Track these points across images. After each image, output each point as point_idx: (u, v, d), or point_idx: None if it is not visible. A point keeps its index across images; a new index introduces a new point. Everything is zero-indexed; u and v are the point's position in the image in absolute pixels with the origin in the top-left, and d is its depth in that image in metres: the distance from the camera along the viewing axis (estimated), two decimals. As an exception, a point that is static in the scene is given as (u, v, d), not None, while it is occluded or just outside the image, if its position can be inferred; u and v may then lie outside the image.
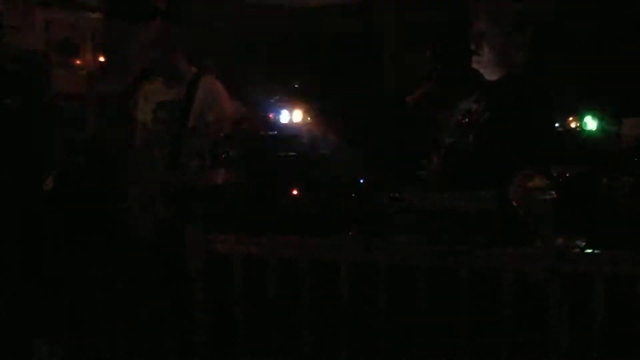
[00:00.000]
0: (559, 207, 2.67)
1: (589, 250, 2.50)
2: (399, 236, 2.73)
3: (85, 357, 3.92)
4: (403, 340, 2.71)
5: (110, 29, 6.46)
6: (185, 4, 6.51)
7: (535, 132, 2.89)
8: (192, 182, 3.74)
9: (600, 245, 2.54)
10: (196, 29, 6.68)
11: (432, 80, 3.27)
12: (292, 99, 6.02)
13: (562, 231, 2.61)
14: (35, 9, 5.72)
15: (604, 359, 2.45)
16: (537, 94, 2.99)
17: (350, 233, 2.92)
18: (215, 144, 3.35)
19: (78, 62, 6.20)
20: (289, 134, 6.05)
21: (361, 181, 3.74)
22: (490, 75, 3.14)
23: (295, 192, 5.35)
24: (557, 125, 4.66)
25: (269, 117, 6.14)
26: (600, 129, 5.22)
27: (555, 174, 3.18)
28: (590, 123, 5.26)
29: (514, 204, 2.70)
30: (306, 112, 5.79)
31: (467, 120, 3.10)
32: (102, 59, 6.36)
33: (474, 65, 3.16)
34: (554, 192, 2.67)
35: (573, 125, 5.21)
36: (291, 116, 5.91)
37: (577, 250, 2.49)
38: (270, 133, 6.21)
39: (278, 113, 6.04)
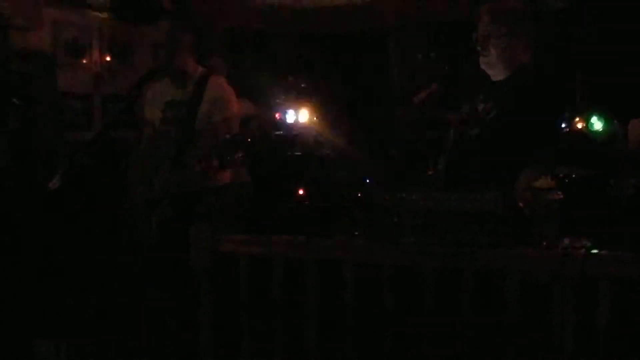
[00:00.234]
0: (565, 208, 2.67)
1: (595, 252, 2.49)
2: (404, 237, 2.73)
3: (88, 357, 3.93)
4: (408, 340, 2.71)
5: (118, 29, 6.47)
6: (192, 4, 6.55)
7: (542, 131, 2.89)
8: (197, 182, 3.75)
9: (605, 246, 2.54)
10: (204, 28, 6.71)
11: (438, 81, 3.27)
12: (299, 98, 6.02)
13: (568, 232, 2.60)
14: (43, 9, 5.73)
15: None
16: (543, 92, 2.99)
17: (356, 234, 2.91)
18: (222, 145, 3.35)
19: (85, 62, 6.21)
20: (294, 134, 6.05)
21: (367, 181, 3.73)
22: (497, 75, 3.14)
23: (300, 191, 5.35)
24: (563, 125, 4.66)
25: (276, 117, 6.14)
26: (607, 129, 5.21)
27: (561, 175, 3.18)
28: (597, 124, 5.24)
29: (520, 204, 2.70)
30: (312, 111, 5.79)
31: (473, 120, 3.11)
32: (109, 59, 6.37)
33: (481, 66, 3.17)
34: (559, 193, 2.67)
35: (579, 126, 5.19)
36: (297, 116, 5.91)
37: (583, 251, 2.49)
38: (277, 133, 6.22)
39: (284, 113, 6.04)
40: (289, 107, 5.92)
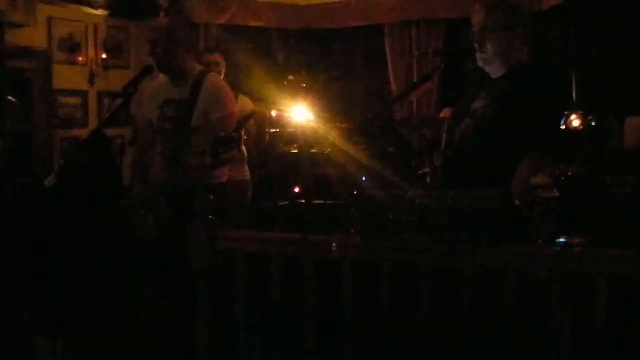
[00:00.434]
0: (562, 206, 2.67)
1: (592, 250, 2.49)
2: (402, 234, 2.73)
3: (85, 355, 3.93)
4: (406, 338, 2.71)
5: (113, 25, 6.46)
6: (188, 0, 6.53)
7: (540, 128, 2.88)
8: (193, 179, 3.74)
9: (602, 244, 2.54)
10: (201, 25, 6.70)
11: (435, 78, 3.27)
12: (296, 95, 6.01)
13: (565, 230, 2.60)
14: (38, 6, 5.71)
15: (607, 358, 2.45)
16: (542, 90, 2.98)
17: (352, 231, 2.91)
18: (216, 142, 3.34)
19: (80, 58, 6.20)
20: (291, 131, 6.05)
21: (363, 179, 3.73)
22: (495, 71, 3.13)
23: (296, 189, 5.34)
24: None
25: (272, 114, 6.14)
26: (603, 127, 5.21)
27: (557, 173, 3.18)
28: (593, 121, 5.24)
29: (517, 202, 2.70)
30: (308, 108, 5.78)
31: (470, 117, 3.10)
32: (104, 55, 6.36)
33: (479, 63, 3.16)
34: (556, 191, 2.67)
35: (575, 123, 5.18)
36: (294, 113, 5.90)
37: (580, 249, 2.48)
38: (272, 130, 6.21)
39: (280, 110, 6.04)
40: (285, 104, 5.91)
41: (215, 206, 3.20)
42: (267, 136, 6.18)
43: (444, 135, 3.25)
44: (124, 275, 3.87)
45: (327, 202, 4.41)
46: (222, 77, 5.09)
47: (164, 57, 3.86)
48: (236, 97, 5.28)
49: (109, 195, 4.17)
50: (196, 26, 6.66)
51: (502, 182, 2.76)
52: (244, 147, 5.27)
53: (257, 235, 3.11)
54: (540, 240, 2.61)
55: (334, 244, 2.84)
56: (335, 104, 6.56)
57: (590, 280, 2.47)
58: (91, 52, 6.26)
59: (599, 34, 5.58)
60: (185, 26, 4.13)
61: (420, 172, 3.63)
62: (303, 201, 4.96)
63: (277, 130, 6.24)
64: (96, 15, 6.30)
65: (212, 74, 4.02)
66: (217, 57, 5.28)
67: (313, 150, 5.49)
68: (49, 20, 5.89)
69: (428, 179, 3.48)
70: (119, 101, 3.95)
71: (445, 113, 3.49)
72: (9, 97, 5.52)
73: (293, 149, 6.00)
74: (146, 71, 3.84)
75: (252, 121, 5.26)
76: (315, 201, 4.58)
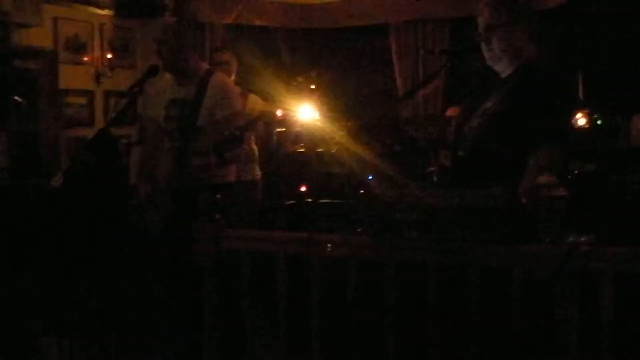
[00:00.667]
0: (568, 204, 2.66)
1: (598, 248, 2.48)
2: (407, 233, 2.73)
3: (91, 353, 3.93)
4: (412, 336, 2.71)
5: (119, 25, 6.47)
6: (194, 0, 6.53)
7: (550, 124, 2.87)
8: (199, 178, 3.74)
9: (609, 242, 2.53)
10: (208, 24, 6.70)
11: (442, 76, 3.26)
12: (302, 94, 6.01)
13: (572, 229, 2.59)
14: (44, 6, 5.72)
15: (613, 357, 2.44)
16: (551, 86, 2.97)
17: (358, 230, 2.90)
18: (221, 142, 3.33)
19: (86, 58, 6.21)
20: (298, 130, 6.04)
21: (370, 178, 3.72)
22: (503, 69, 3.12)
23: (304, 188, 5.34)
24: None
25: (278, 114, 6.13)
26: (609, 125, 5.20)
27: (566, 171, 3.16)
28: (599, 119, 5.24)
29: (523, 201, 2.70)
30: (315, 107, 5.77)
31: (479, 116, 3.09)
32: (110, 55, 6.37)
33: (487, 62, 3.15)
34: (563, 189, 2.66)
35: (582, 122, 5.18)
36: (300, 112, 5.90)
37: (586, 247, 2.48)
38: (279, 130, 6.21)
39: (288, 109, 6.03)
40: (292, 104, 5.91)
41: (222, 205, 3.19)
42: (275, 136, 6.18)
43: (452, 134, 3.24)
44: (130, 274, 3.87)
45: (334, 201, 4.41)
46: (234, 76, 5.09)
47: (170, 57, 3.86)
48: (246, 97, 5.28)
49: (116, 194, 4.17)
50: (202, 26, 6.67)
51: (513, 181, 2.75)
52: (254, 146, 5.27)
53: (263, 235, 3.11)
54: (546, 239, 2.60)
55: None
56: (341, 103, 6.56)
57: (596, 279, 2.47)
58: (97, 52, 6.27)
59: (605, 32, 5.57)
60: (191, 26, 4.13)
61: (426, 171, 3.62)
62: (310, 200, 4.96)
63: (284, 129, 6.24)
64: (102, 15, 6.31)
65: (217, 73, 4.02)
66: (227, 55, 5.26)
67: (319, 150, 5.49)
68: (55, 20, 5.90)
69: (435, 178, 3.47)
70: (125, 101, 3.95)
71: (451, 112, 3.48)
72: (15, 97, 5.53)
73: (299, 149, 5.99)
74: (152, 71, 3.84)
75: (262, 121, 5.26)
76: (322, 200, 4.58)
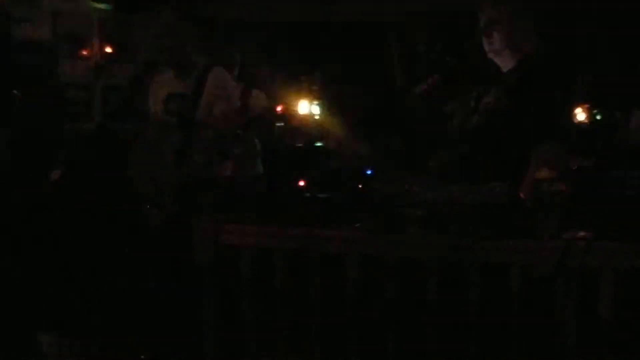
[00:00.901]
0: (568, 200, 2.66)
1: (597, 244, 2.49)
2: (407, 228, 2.73)
3: (90, 351, 3.93)
4: (411, 332, 2.71)
5: (118, 19, 6.45)
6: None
7: (550, 120, 2.88)
8: (199, 174, 3.74)
9: (608, 238, 2.53)
10: (209, 19, 6.68)
11: (442, 70, 3.25)
12: (300, 89, 6.00)
13: (570, 224, 2.59)
14: (43, 0, 5.72)
15: (612, 353, 2.45)
16: (552, 80, 2.97)
17: (358, 225, 2.90)
18: (222, 138, 3.34)
19: (85, 52, 6.19)
20: (296, 125, 6.04)
21: (368, 172, 3.72)
22: (505, 64, 3.12)
23: (301, 183, 5.34)
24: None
25: (277, 109, 6.13)
26: (609, 121, 5.20)
27: (566, 166, 3.16)
28: (599, 114, 5.24)
29: (522, 196, 2.70)
30: (314, 102, 5.77)
31: (479, 110, 3.09)
32: (109, 49, 6.36)
33: (489, 55, 3.15)
34: (562, 185, 2.66)
35: (581, 117, 5.17)
36: (299, 107, 5.89)
37: (585, 243, 2.48)
38: (278, 124, 6.20)
39: (287, 104, 6.03)
40: (291, 99, 5.90)
41: (221, 201, 3.19)
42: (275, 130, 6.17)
43: (452, 130, 3.25)
44: (129, 270, 3.87)
45: (333, 196, 4.40)
46: (237, 71, 5.08)
47: (169, 51, 3.85)
48: (250, 93, 5.27)
49: (114, 189, 4.17)
50: (203, 20, 6.65)
51: (514, 177, 2.75)
52: (257, 141, 5.27)
53: (262, 230, 3.11)
54: (545, 235, 2.60)
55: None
56: (340, 98, 6.55)
57: (595, 275, 2.47)
58: (96, 46, 6.26)
59: (603, 26, 5.56)
60: (191, 20, 4.12)
61: (426, 166, 3.62)
62: (308, 195, 4.96)
63: (283, 124, 6.23)
64: (101, 9, 6.30)
65: (217, 68, 4.01)
66: (231, 51, 5.26)
67: (318, 145, 5.48)
68: (54, 14, 5.89)
69: (435, 173, 3.47)
70: (124, 95, 3.95)
71: (451, 107, 3.48)
72: (15, 92, 5.52)
73: (298, 143, 5.99)
74: (151, 65, 3.84)
75: (266, 117, 5.25)
76: (321, 195, 4.57)
